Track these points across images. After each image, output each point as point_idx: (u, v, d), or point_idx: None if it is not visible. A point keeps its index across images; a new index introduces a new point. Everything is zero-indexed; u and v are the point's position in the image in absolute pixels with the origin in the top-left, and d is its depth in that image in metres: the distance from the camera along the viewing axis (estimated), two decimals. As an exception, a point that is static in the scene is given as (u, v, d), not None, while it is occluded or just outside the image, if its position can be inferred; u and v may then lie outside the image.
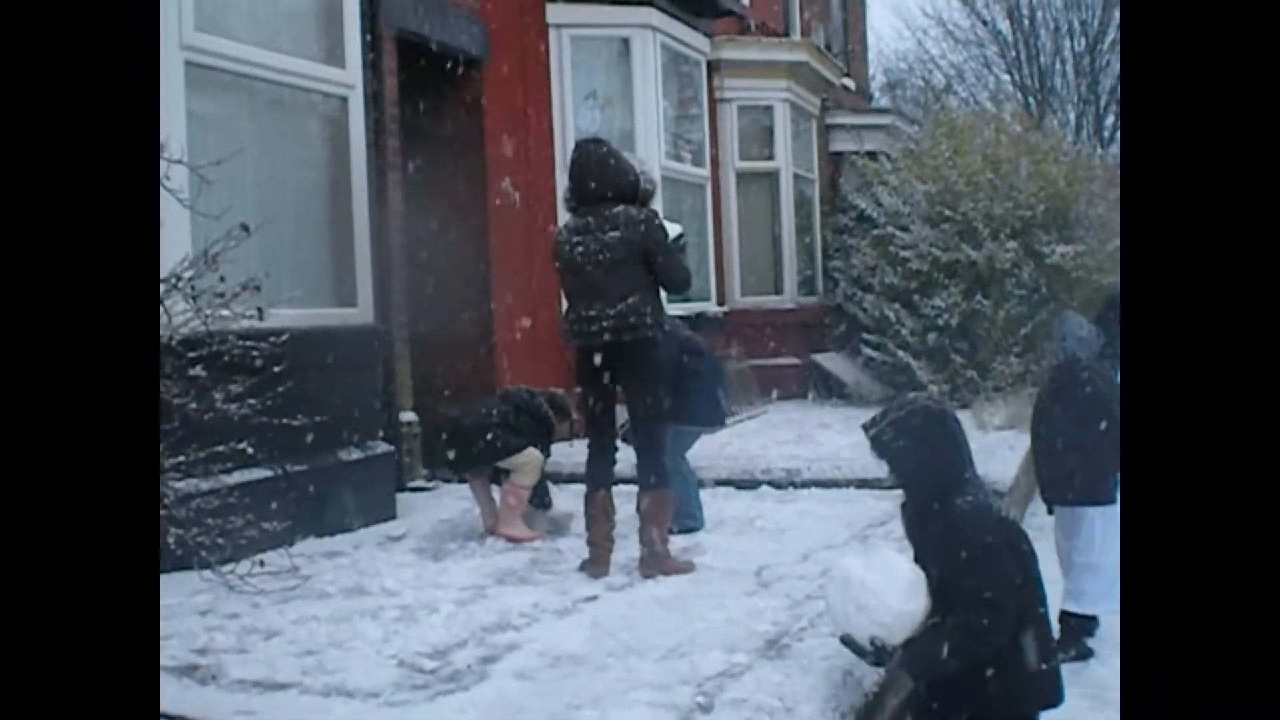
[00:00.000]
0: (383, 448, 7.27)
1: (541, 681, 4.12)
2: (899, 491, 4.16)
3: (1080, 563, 6.20)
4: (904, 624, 3.74)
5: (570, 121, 10.58)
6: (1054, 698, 3.85)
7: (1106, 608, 6.12)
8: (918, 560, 3.87)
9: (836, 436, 9.95)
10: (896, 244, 13.05)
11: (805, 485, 8.33)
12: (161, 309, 4.14)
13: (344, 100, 7.23)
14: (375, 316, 7.43)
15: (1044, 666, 3.79)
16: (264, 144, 6.65)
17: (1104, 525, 6.03)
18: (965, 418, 10.95)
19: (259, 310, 4.53)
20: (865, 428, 3.93)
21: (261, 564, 5.13)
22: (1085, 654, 6.12)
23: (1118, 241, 13.93)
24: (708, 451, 9.16)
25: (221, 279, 4.30)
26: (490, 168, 9.86)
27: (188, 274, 4.18)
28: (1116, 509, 5.88)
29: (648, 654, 4.35)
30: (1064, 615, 6.11)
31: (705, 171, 12.66)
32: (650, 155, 10.99)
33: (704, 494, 7.50)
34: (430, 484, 8.55)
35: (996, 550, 3.70)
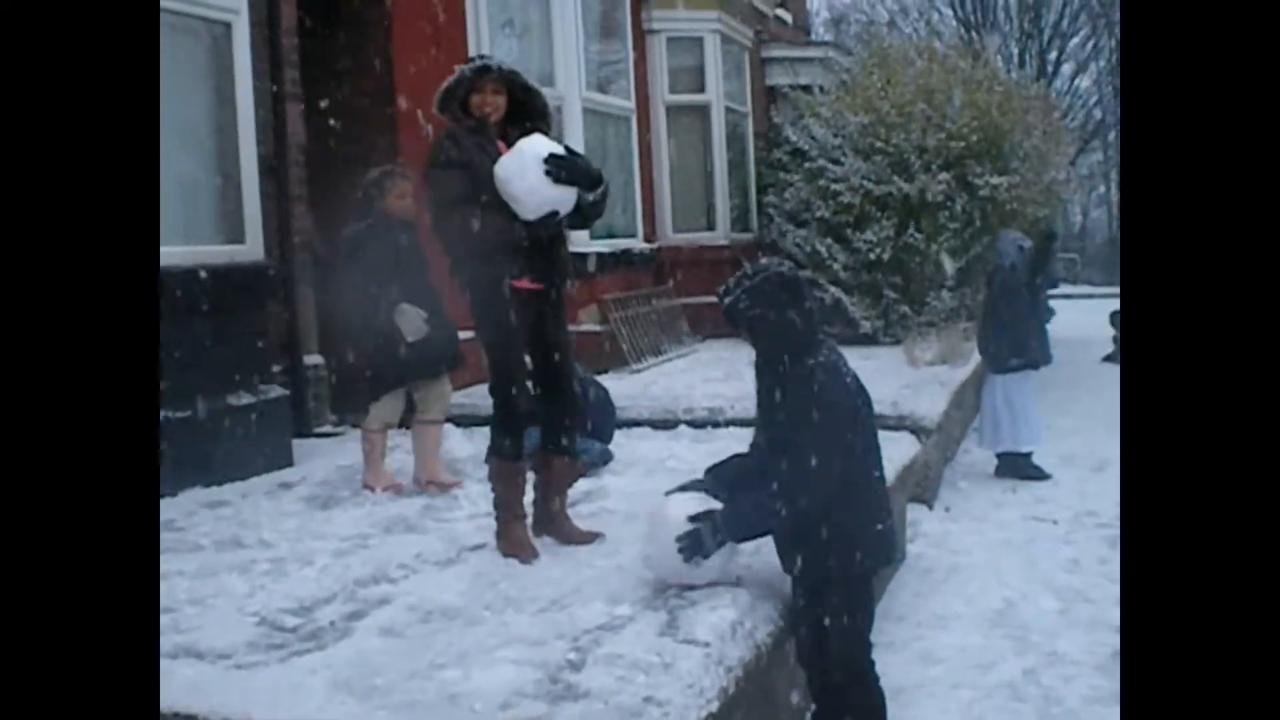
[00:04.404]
0: (275, 392, 6.93)
1: (408, 638, 3.83)
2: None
3: (1002, 415, 9.13)
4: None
5: (486, 51, 10.17)
6: (889, 555, 4.20)
7: (1027, 444, 9.16)
8: (766, 419, 4.16)
9: (764, 374, 9.69)
10: (828, 177, 12.79)
11: (727, 424, 8.06)
12: None
13: (227, 26, 6.81)
14: (265, 254, 7.05)
15: (879, 527, 4.07)
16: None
17: (1007, 387, 9.12)
18: (897, 354, 10.85)
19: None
20: (719, 296, 4.06)
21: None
22: (1042, 475, 9.11)
23: (1052, 173, 13.79)
24: (630, 392, 8.94)
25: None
26: (400, 100, 9.45)
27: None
28: (1017, 376, 9.13)
29: (526, 606, 4.08)
30: (1004, 455, 9.24)
31: (630, 103, 12.29)
32: (570, 85, 10.64)
33: (621, 434, 7.32)
34: (339, 429, 8.22)
35: (836, 409, 3.93)
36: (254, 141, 6.96)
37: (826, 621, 4.07)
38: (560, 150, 4.71)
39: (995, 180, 12.34)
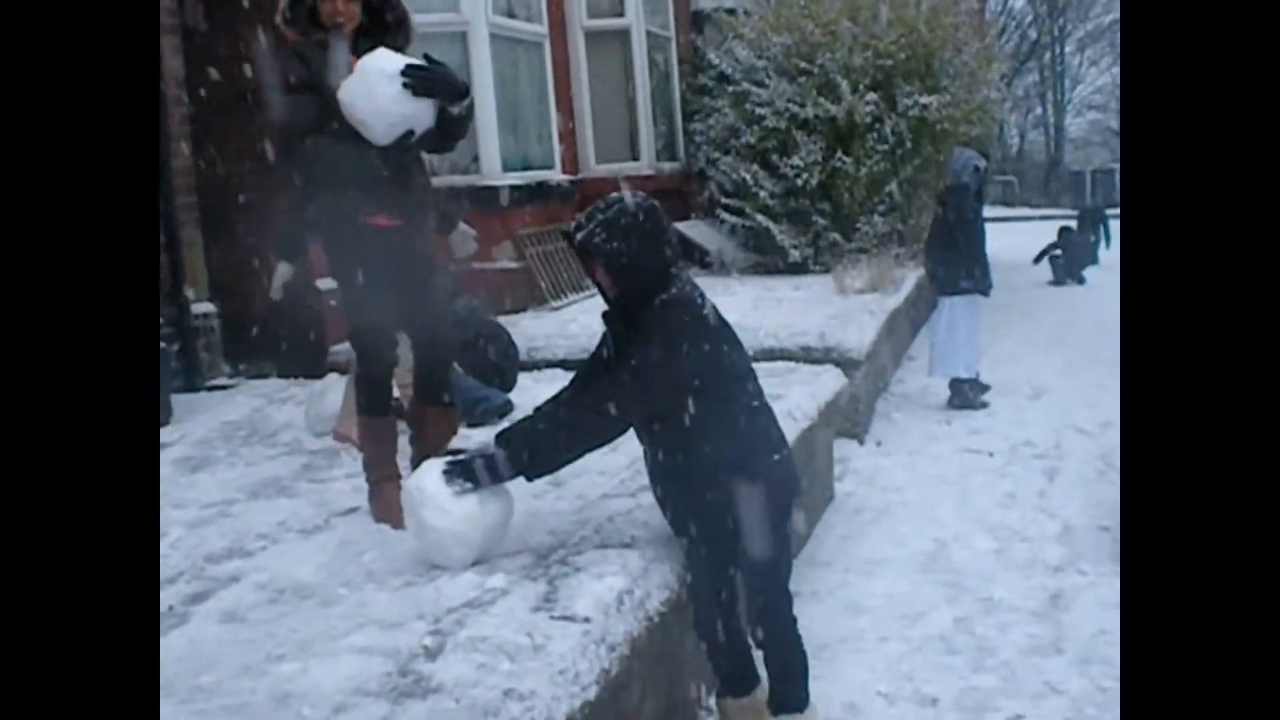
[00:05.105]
0: (148, 345, 6.39)
1: (251, 623, 3.36)
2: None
3: (944, 339, 8.91)
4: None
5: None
6: (794, 487, 3.87)
7: (969, 371, 8.94)
8: (615, 359, 3.79)
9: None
10: (753, 101, 12.31)
11: (644, 361, 7.62)
12: None
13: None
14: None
15: (775, 457, 3.78)
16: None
17: (954, 311, 8.86)
18: (828, 282, 10.43)
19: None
20: (568, 234, 3.72)
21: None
22: (979, 405, 8.91)
23: (985, 90, 13.34)
24: (546, 331, 8.51)
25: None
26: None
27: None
28: (965, 299, 8.87)
29: (389, 581, 3.61)
30: (952, 382, 8.95)
31: (542, 28, 11.69)
32: (475, 10, 10.07)
33: (530, 377, 6.89)
34: (233, 381, 7.70)
35: (680, 343, 3.57)
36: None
37: (735, 578, 3.69)
38: (416, 61, 4.17)
39: (925, 100, 11.89)
